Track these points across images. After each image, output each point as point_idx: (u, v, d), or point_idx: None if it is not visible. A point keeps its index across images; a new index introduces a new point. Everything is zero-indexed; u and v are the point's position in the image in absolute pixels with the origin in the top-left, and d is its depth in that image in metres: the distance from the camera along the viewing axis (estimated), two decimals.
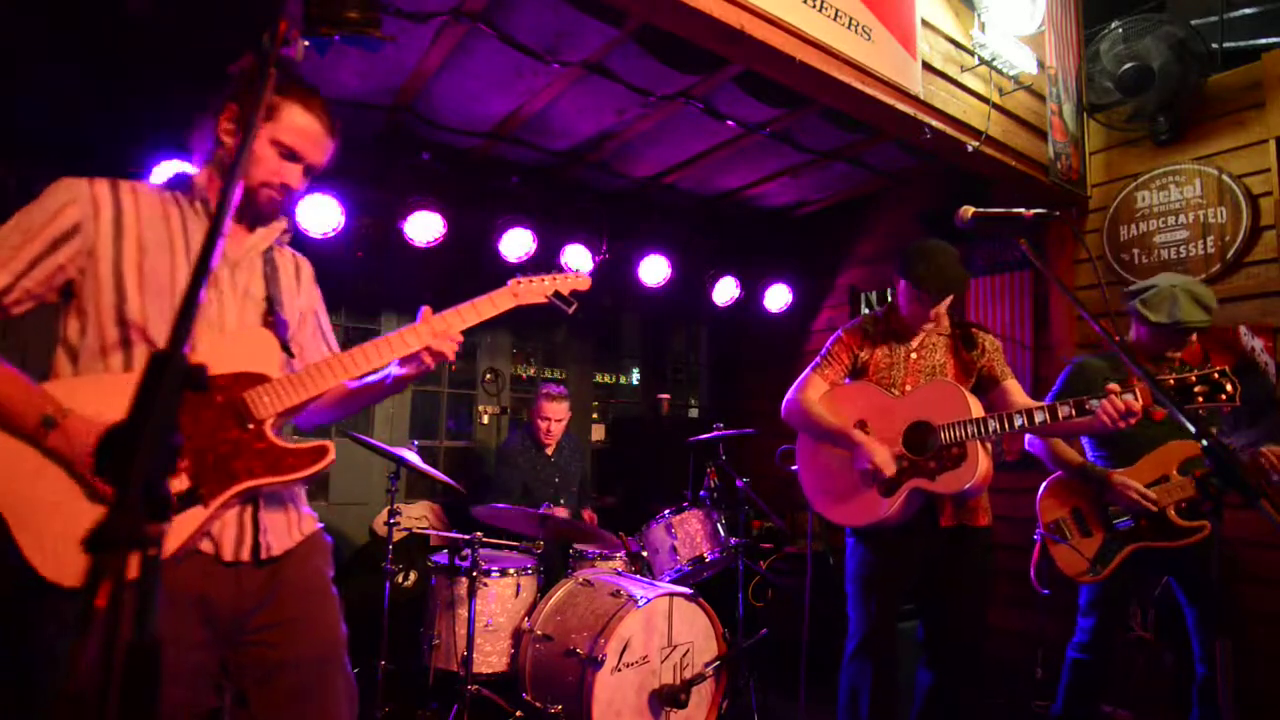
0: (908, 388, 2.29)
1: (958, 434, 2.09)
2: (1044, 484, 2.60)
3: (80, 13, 2.68)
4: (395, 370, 1.51)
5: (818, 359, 2.43)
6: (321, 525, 1.51)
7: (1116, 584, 2.41)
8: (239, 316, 1.37)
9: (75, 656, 0.51)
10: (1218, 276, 3.22)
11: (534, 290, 1.69)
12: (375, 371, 1.47)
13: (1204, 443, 1.18)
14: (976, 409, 2.12)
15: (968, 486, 2.07)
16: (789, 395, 2.41)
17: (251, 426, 1.30)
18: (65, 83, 3.05)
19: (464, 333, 1.57)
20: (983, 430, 2.06)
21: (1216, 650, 2.29)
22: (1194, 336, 2.43)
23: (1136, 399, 1.86)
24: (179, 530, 1.20)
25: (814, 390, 2.37)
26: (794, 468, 2.51)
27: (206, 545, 1.27)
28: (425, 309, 1.51)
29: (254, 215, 1.42)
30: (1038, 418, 2.00)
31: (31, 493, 1.15)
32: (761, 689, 3.19)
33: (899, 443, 2.20)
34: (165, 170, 2.97)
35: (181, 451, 1.21)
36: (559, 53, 2.94)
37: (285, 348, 1.42)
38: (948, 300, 2.25)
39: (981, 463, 2.07)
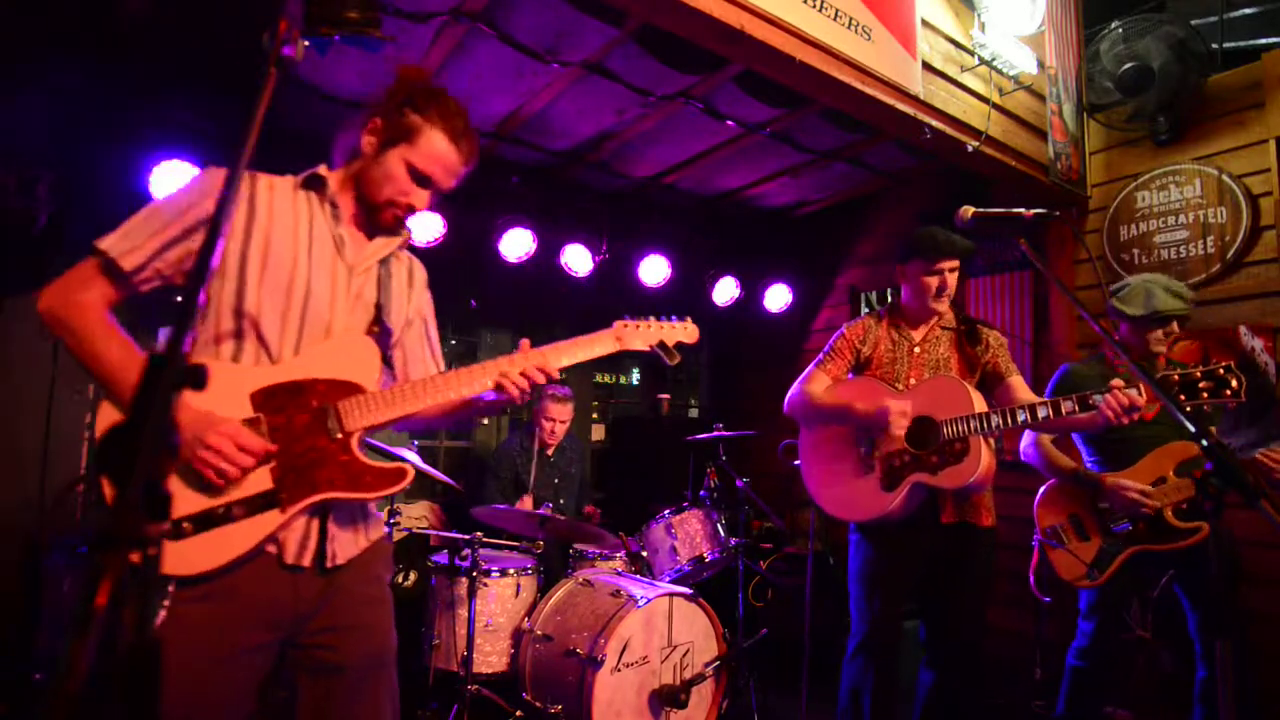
0: (912, 381, 2.28)
1: (960, 429, 2.09)
2: (1041, 490, 2.61)
3: (80, 13, 2.68)
4: (488, 396, 1.48)
5: (821, 355, 2.43)
6: (388, 529, 1.52)
7: (1116, 588, 2.41)
8: (348, 321, 1.38)
9: (75, 656, 0.51)
10: (1218, 276, 3.22)
11: (638, 336, 1.62)
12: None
13: (1203, 442, 1.18)
14: (980, 404, 2.12)
15: (970, 482, 2.08)
16: (792, 390, 2.41)
17: (340, 437, 1.30)
18: (65, 83, 3.05)
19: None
20: (985, 425, 2.06)
21: (1216, 650, 2.29)
22: (1174, 329, 2.42)
23: (1140, 394, 1.86)
24: (253, 531, 1.21)
25: (817, 384, 2.38)
26: (796, 463, 2.52)
27: (270, 547, 1.27)
28: (524, 341, 1.51)
29: (375, 227, 1.44)
30: (1040, 413, 2.00)
31: None
32: (761, 689, 3.19)
33: (902, 438, 2.20)
34: (165, 171, 2.97)
35: (270, 453, 1.23)
36: (559, 53, 2.94)
37: (386, 359, 1.43)
38: (953, 269, 2.25)
39: (984, 458, 2.07)
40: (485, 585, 2.93)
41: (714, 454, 3.58)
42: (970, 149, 3.08)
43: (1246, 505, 1.15)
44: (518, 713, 2.74)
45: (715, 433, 3.58)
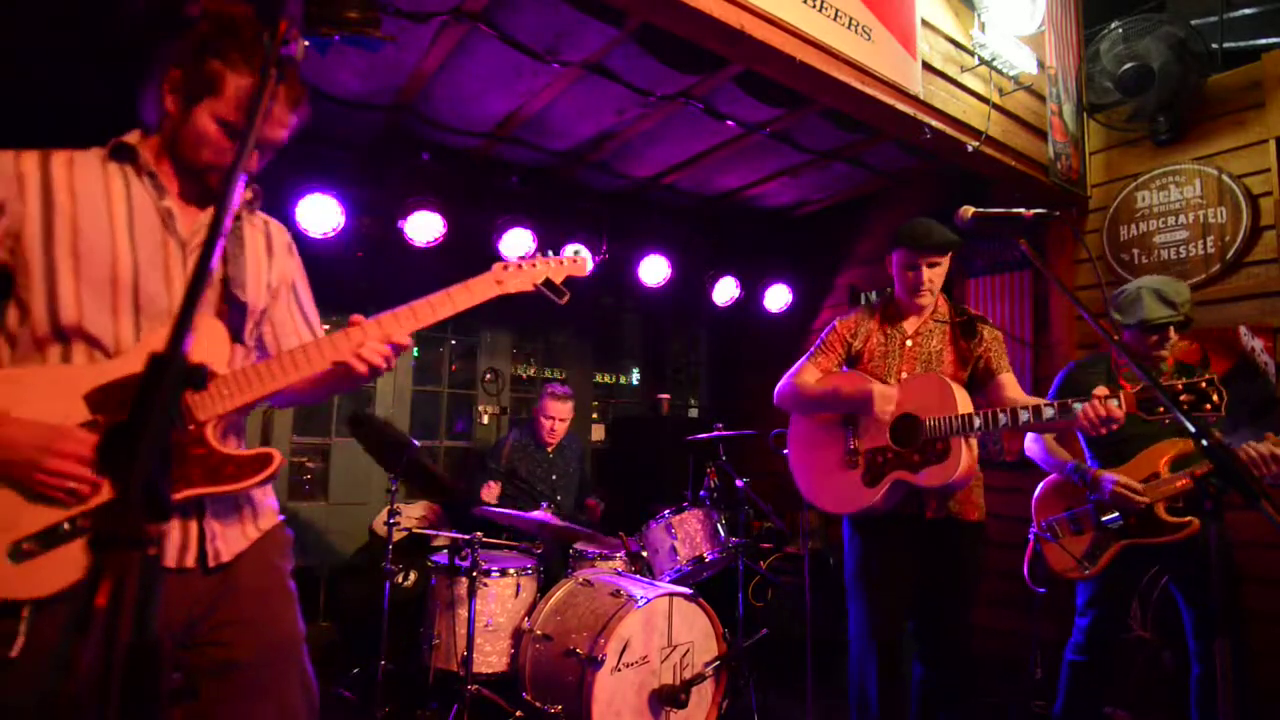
0: (903, 375, 2.28)
1: (942, 428, 2.09)
2: (1040, 486, 2.64)
3: (80, 12, 2.68)
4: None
5: (812, 348, 2.44)
6: (282, 518, 1.42)
7: (1109, 583, 2.43)
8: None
9: (75, 656, 0.51)
10: (1218, 276, 3.22)
11: (521, 277, 1.49)
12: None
13: (1204, 443, 1.18)
14: (965, 405, 2.11)
15: (949, 482, 2.07)
16: (782, 381, 2.43)
17: (191, 429, 1.20)
18: (64, 82, 3.05)
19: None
20: (968, 426, 2.05)
21: (1216, 650, 2.29)
22: (1169, 335, 2.42)
23: (1120, 406, 1.85)
24: None
25: (808, 376, 2.39)
26: (785, 451, 2.52)
27: (151, 549, 1.21)
28: (355, 316, 1.35)
29: (205, 195, 1.30)
30: (1022, 416, 2.00)
31: None
32: (761, 689, 3.19)
33: (886, 434, 2.20)
34: None
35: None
36: (559, 53, 2.94)
37: (237, 336, 1.32)
38: (942, 263, 2.24)
39: (964, 459, 2.07)
40: (485, 585, 2.93)
41: (714, 454, 3.58)
42: (970, 149, 3.08)
43: (1247, 505, 1.15)
44: (518, 713, 2.74)
45: (715, 433, 3.58)
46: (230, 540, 1.29)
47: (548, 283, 1.51)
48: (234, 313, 1.32)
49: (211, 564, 1.25)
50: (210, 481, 1.21)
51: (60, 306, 1.16)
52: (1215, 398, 1.73)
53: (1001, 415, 2.02)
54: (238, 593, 1.28)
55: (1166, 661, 2.99)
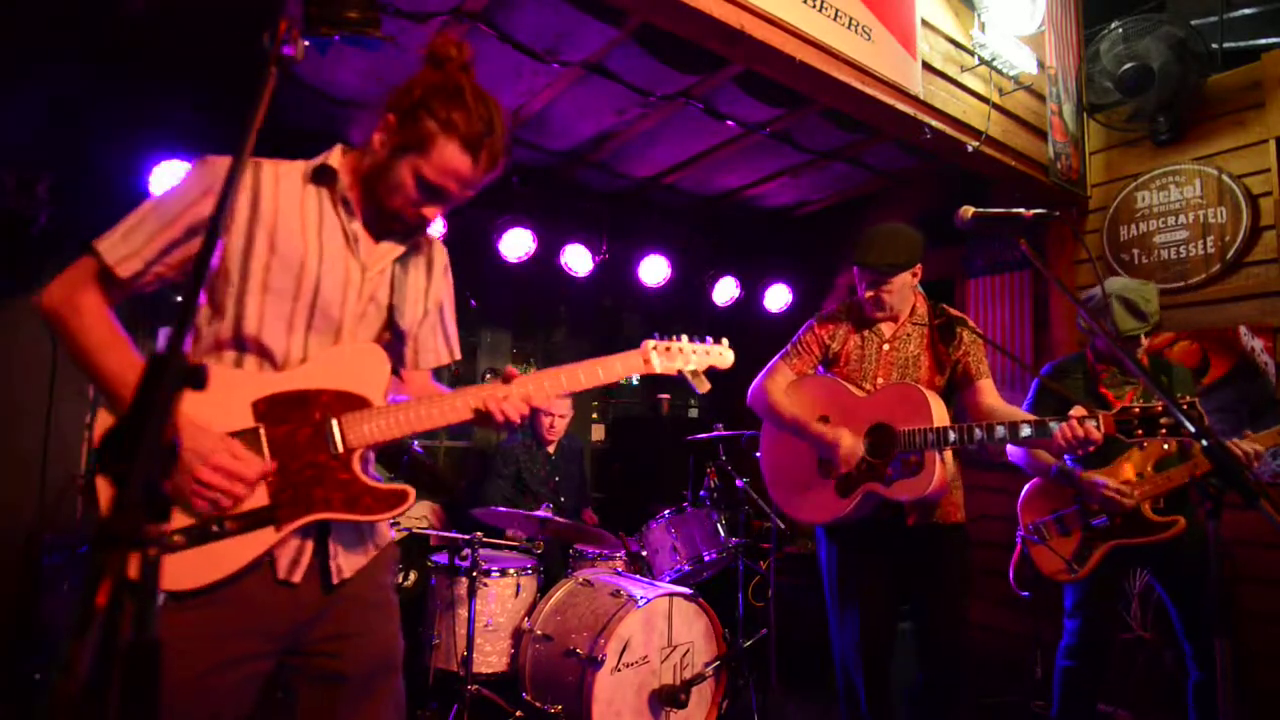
0: (879, 380, 2.24)
1: (916, 441, 2.05)
2: (1025, 489, 2.64)
3: (80, 12, 2.68)
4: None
5: (787, 347, 2.38)
6: (394, 534, 1.45)
7: (1097, 584, 2.43)
8: (359, 326, 1.31)
9: (74, 656, 0.51)
10: (1218, 276, 3.22)
11: (668, 359, 1.51)
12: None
13: (1204, 443, 1.18)
14: (940, 417, 2.07)
15: (923, 495, 2.04)
16: (755, 383, 2.38)
17: (340, 453, 1.23)
18: (65, 82, 3.05)
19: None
20: (942, 441, 2.02)
21: (1216, 650, 2.29)
22: (1141, 342, 2.42)
23: (1098, 428, 1.82)
24: (246, 548, 1.16)
25: (781, 378, 2.34)
26: (758, 454, 2.50)
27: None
28: (510, 369, 1.40)
29: (383, 231, 1.35)
30: (998, 433, 1.97)
31: None
32: (761, 689, 3.19)
33: (861, 444, 2.17)
34: (164, 171, 2.97)
35: (269, 470, 1.18)
36: (559, 53, 2.94)
37: (398, 366, 1.37)
38: (892, 284, 2.19)
39: (937, 473, 2.03)
40: (485, 585, 2.93)
41: (714, 454, 3.58)
42: (970, 149, 3.08)
43: (1246, 505, 1.15)
44: (518, 713, 2.74)
45: (715, 433, 3.58)
46: (351, 560, 1.32)
47: (693, 371, 1.53)
48: (396, 341, 1.37)
49: (335, 581, 1.28)
50: (348, 509, 1.24)
51: (245, 316, 1.21)
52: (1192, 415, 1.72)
53: (977, 430, 1.99)
54: (347, 605, 1.30)
55: (1166, 661, 2.99)
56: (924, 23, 2.90)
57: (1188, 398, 1.80)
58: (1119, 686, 3.12)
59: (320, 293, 1.26)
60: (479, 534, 2.86)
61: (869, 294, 2.23)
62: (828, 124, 3.52)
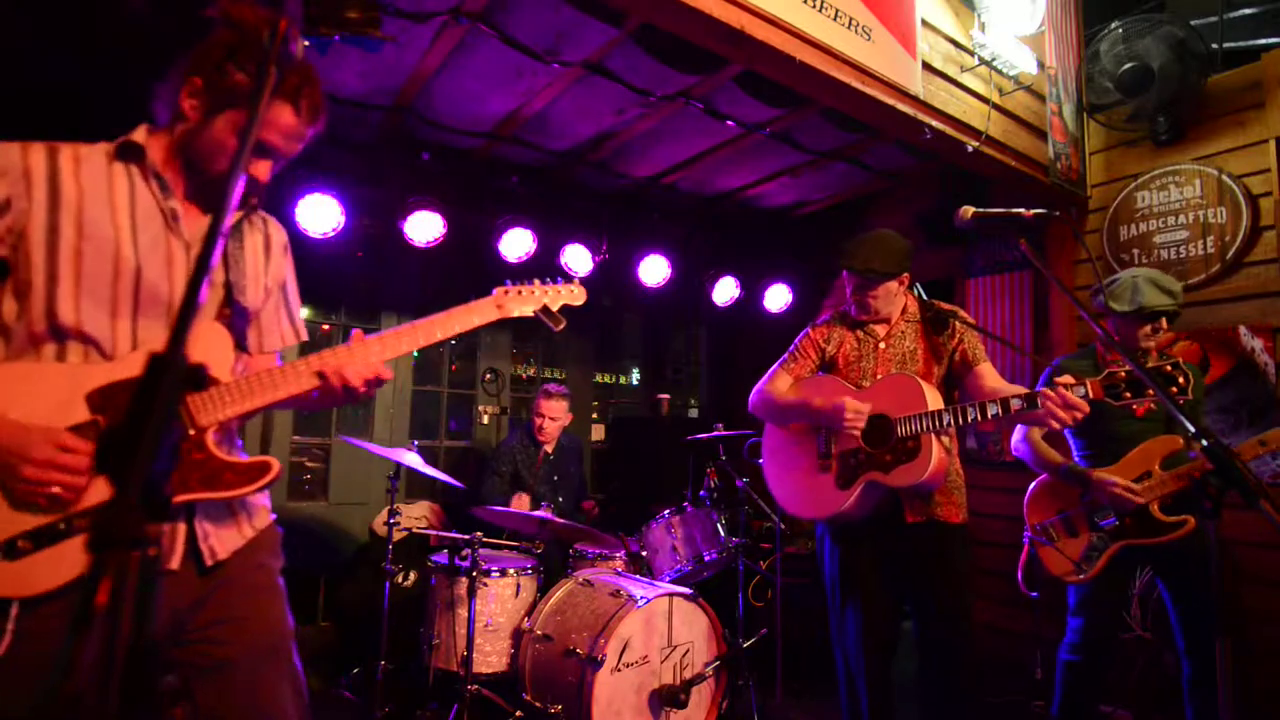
0: (879, 376, 2.27)
1: (912, 427, 2.08)
2: (1031, 487, 2.62)
3: (80, 12, 2.68)
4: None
5: (785, 355, 2.43)
6: (274, 516, 1.42)
7: (1103, 584, 2.43)
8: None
9: (74, 656, 0.51)
10: (1218, 276, 3.22)
11: (521, 302, 1.52)
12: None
13: (1204, 442, 1.18)
14: (934, 402, 2.10)
15: (921, 480, 2.06)
16: (755, 389, 2.42)
17: (192, 434, 1.20)
18: (65, 82, 3.05)
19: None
20: (937, 423, 2.05)
21: (1216, 650, 2.29)
22: (1162, 325, 2.43)
23: (1086, 392, 1.86)
24: None
25: (780, 383, 2.38)
26: (760, 461, 2.52)
27: (149, 551, 1.18)
28: (355, 332, 1.35)
29: (211, 201, 1.29)
30: (990, 410, 1.99)
31: None
32: (761, 689, 3.19)
33: (858, 436, 2.19)
34: None
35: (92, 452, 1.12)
36: (559, 53, 2.94)
37: (241, 342, 1.32)
38: (878, 289, 2.24)
39: (935, 456, 2.06)
40: (485, 585, 2.93)
41: (714, 454, 3.58)
42: (970, 149, 3.08)
43: (1246, 505, 1.15)
44: (518, 713, 2.74)
45: (715, 433, 3.58)
46: (225, 540, 1.29)
47: (545, 309, 1.54)
48: (237, 318, 1.32)
49: (208, 563, 1.25)
50: (208, 487, 1.21)
51: (59, 307, 1.15)
52: (1181, 380, 1.73)
53: (970, 410, 2.02)
54: (228, 590, 1.28)
55: (1166, 661, 2.99)
56: (924, 23, 2.90)
57: (1173, 359, 1.80)
58: (1119, 686, 3.12)
59: (143, 276, 1.21)
60: (479, 534, 2.87)
61: (855, 297, 2.30)
62: (828, 124, 3.52)
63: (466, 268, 4.14)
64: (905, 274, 2.28)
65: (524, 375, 5.15)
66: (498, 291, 1.51)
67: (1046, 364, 3.60)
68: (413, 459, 3.03)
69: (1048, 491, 2.57)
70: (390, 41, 2.76)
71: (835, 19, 2.55)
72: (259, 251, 1.40)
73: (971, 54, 3.11)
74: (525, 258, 4.04)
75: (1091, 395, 1.86)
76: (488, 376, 4.85)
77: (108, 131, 1.30)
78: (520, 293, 1.52)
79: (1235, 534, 2.89)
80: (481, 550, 2.91)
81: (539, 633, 2.79)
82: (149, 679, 0.55)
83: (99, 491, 1.13)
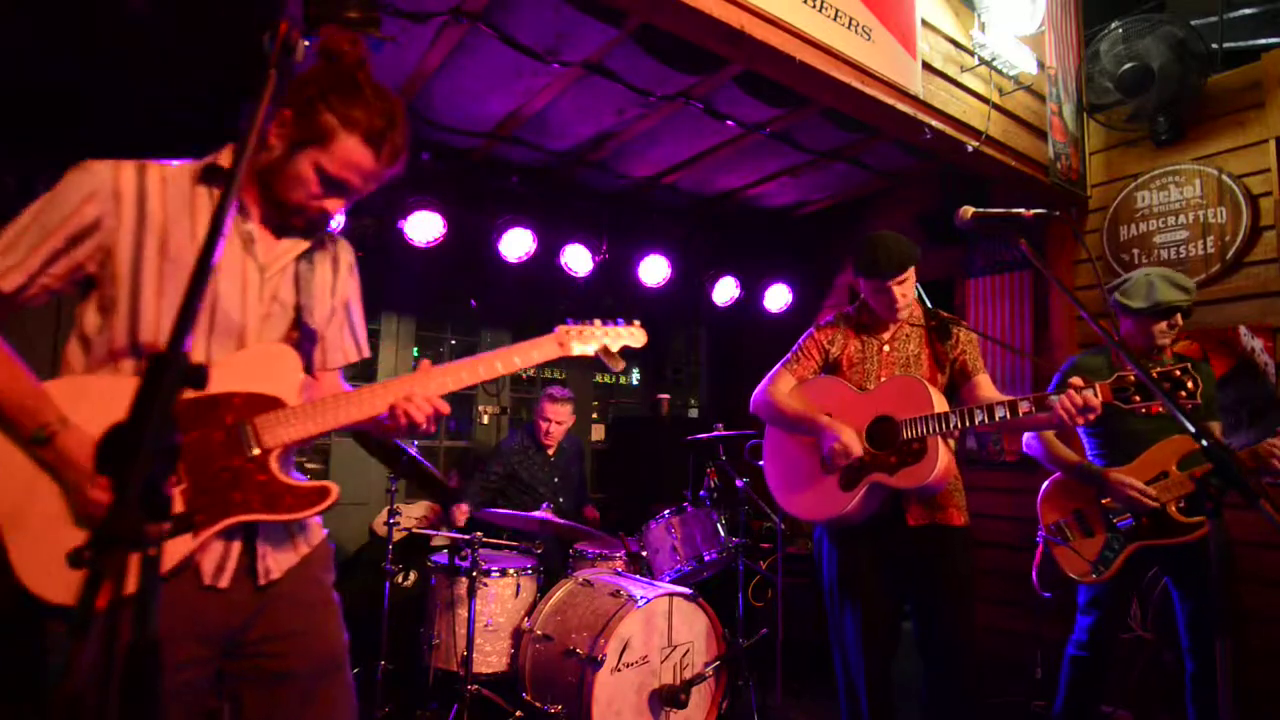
0: (882, 379, 2.27)
1: (919, 429, 2.07)
2: (1044, 486, 2.60)
3: (80, 12, 2.68)
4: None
5: (788, 355, 2.41)
6: (326, 531, 1.45)
7: (1114, 583, 2.42)
8: (263, 326, 1.28)
9: (74, 657, 0.51)
10: (1218, 276, 3.22)
11: (583, 341, 1.51)
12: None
13: (1204, 443, 1.18)
14: (940, 404, 2.10)
15: (927, 482, 2.05)
16: (757, 389, 2.41)
17: (256, 455, 1.22)
18: (65, 82, 3.05)
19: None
20: (943, 425, 2.04)
21: (1216, 650, 2.29)
22: (1177, 321, 2.43)
23: (1096, 395, 1.85)
24: (163, 557, 1.13)
25: (783, 384, 2.37)
26: (761, 463, 2.51)
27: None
28: (424, 362, 1.36)
29: (284, 228, 1.33)
30: (998, 413, 1.98)
31: (24, 502, 1.11)
32: (761, 689, 3.19)
33: (862, 437, 2.19)
34: None
35: (181, 472, 1.15)
36: (559, 53, 2.94)
37: (309, 365, 1.35)
38: (907, 277, 2.24)
39: (941, 458, 2.05)
40: (485, 585, 2.93)
41: (714, 454, 3.58)
42: (970, 149, 3.08)
43: (1247, 506, 1.15)
44: (518, 713, 2.74)
45: (715, 433, 3.58)
46: (281, 560, 1.31)
47: (605, 350, 1.54)
48: (305, 341, 1.34)
49: (262, 582, 1.27)
50: (269, 509, 1.22)
51: (141, 324, 1.17)
52: (1190, 385, 1.73)
53: (979, 413, 2.01)
54: (284, 605, 1.29)
55: (1167, 661, 2.99)
56: (924, 23, 2.90)
57: (1183, 364, 1.79)
58: (1119, 686, 3.12)
59: (218, 297, 1.23)
60: (479, 534, 2.87)
61: (892, 293, 2.23)
62: (828, 124, 3.52)
63: (466, 268, 4.14)
64: (917, 263, 2.28)
65: (524, 375, 5.15)
66: (560, 329, 1.51)
67: (1047, 366, 3.61)
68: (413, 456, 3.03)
69: (1061, 490, 2.54)
70: (390, 41, 2.76)
71: (835, 19, 2.55)
72: (328, 272, 1.43)
73: (971, 54, 3.11)
74: (525, 258, 4.04)
75: (1101, 399, 1.85)
76: None
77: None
78: (582, 333, 1.52)
79: (1235, 534, 2.89)
80: (481, 550, 2.91)
81: (539, 633, 2.79)
82: (155, 680, 0.55)
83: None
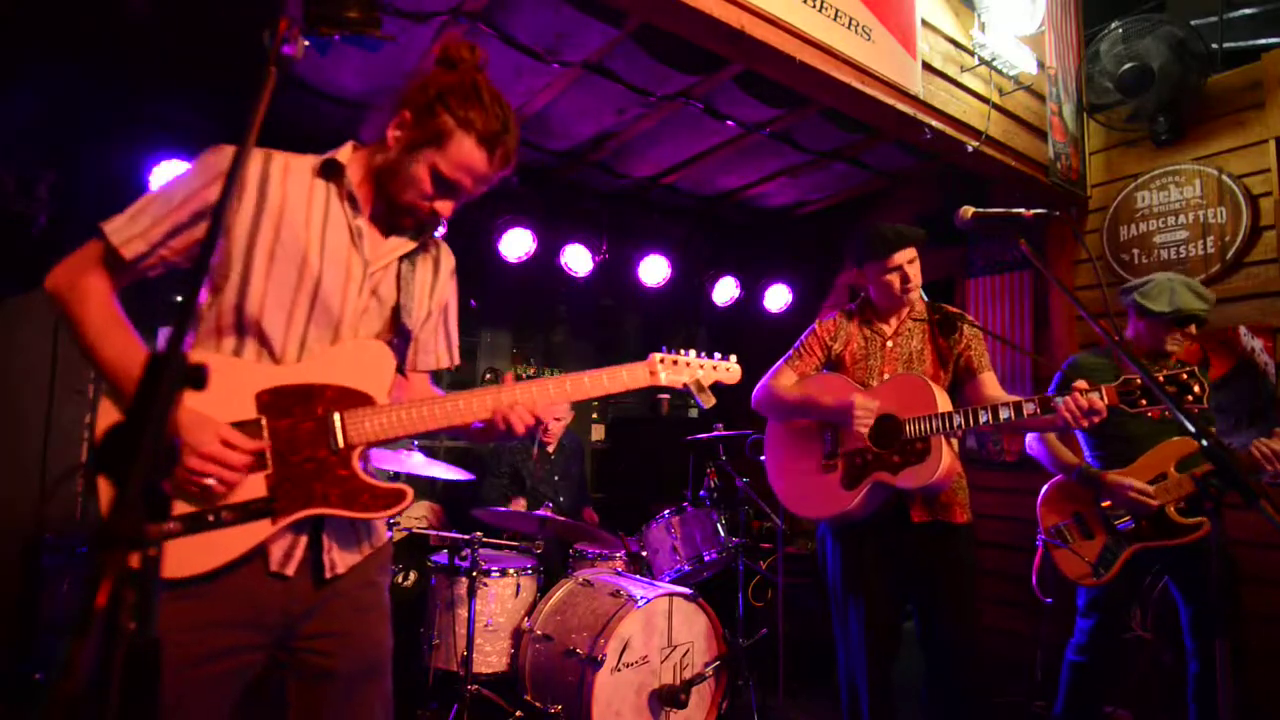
0: (885, 375, 2.26)
1: (922, 429, 2.06)
2: (1044, 488, 2.59)
3: (80, 13, 2.68)
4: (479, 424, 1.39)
5: (790, 351, 2.40)
6: (390, 534, 1.46)
7: (1114, 585, 2.41)
8: (360, 321, 1.30)
9: (74, 656, 0.51)
10: (1218, 276, 3.22)
11: (676, 372, 1.51)
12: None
13: (1203, 443, 1.18)
14: (944, 404, 2.09)
15: (930, 482, 2.05)
16: (759, 385, 2.39)
17: (341, 449, 1.23)
18: (65, 82, 3.05)
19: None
20: (948, 425, 2.03)
21: (1216, 650, 2.29)
22: (1191, 330, 2.43)
23: (1102, 398, 1.84)
24: (242, 539, 1.16)
25: (784, 379, 2.36)
26: (763, 458, 2.50)
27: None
28: (508, 375, 1.38)
29: (393, 227, 1.36)
30: (1003, 414, 1.97)
31: None
32: (761, 689, 3.19)
33: (865, 436, 2.18)
34: (164, 171, 2.97)
35: (267, 457, 1.18)
36: (559, 53, 2.94)
37: (401, 366, 1.36)
38: (912, 260, 2.24)
39: (945, 458, 2.05)
40: (485, 585, 2.93)
41: (714, 454, 3.58)
42: (970, 149, 3.08)
43: (1246, 506, 1.15)
44: (518, 713, 2.74)
45: (715, 432, 3.58)
46: (346, 556, 1.31)
47: (697, 383, 1.53)
48: (400, 341, 1.36)
49: (327, 575, 1.27)
50: (345, 505, 1.23)
51: (248, 298, 1.20)
52: (1196, 389, 1.72)
53: (983, 413, 2.00)
54: (339, 604, 1.30)
55: (1166, 661, 2.99)
56: (924, 23, 2.90)
57: (1188, 367, 1.78)
58: (1119, 687, 3.12)
59: (321, 285, 1.26)
60: (479, 534, 2.87)
61: (904, 271, 2.24)
62: (828, 124, 3.52)
63: (466, 267, 4.12)
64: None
65: (524, 375, 5.14)
66: (653, 357, 1.52)
67: (1048, 364, 3.61)
68: (416, 459, 3.03)
69: (1061, 493, 2.54)
70: (390, 41, 2.76)
71: (835, 19, 2.55)
72: (428, 274, 1.45)
73: (971, 54, 3.11)
74: (525, 257, 4.03)
75: (1107, 402, 1.84)
76: (487, 376, 4.85)
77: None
78: (675, 363, 1.52)
79: (1235, 534, 2.89)
80: (481, 550, 2.91)
81: (539, 633, 2.79)
82: (155, 680, 0.55)
83: (250, 488, 1.17)
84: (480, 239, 3.95)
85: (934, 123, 2.91)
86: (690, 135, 3.73)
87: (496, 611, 2.97)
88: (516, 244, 4.00)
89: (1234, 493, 1.16)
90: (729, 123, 3.52)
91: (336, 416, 1.24)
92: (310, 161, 1.31)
